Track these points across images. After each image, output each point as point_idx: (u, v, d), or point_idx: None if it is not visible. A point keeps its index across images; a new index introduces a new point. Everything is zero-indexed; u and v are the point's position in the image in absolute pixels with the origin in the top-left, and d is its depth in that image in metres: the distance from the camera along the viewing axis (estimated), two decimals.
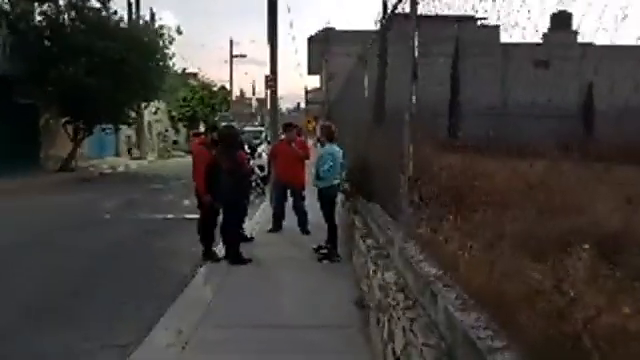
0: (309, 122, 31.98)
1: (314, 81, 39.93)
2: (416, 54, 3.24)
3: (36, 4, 16.43)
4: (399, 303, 2.73)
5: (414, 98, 3.23)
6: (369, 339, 3.68)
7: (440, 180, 4.52)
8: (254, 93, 65.96)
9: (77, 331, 4.15)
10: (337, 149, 6.36)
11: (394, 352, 2.64)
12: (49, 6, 16.47)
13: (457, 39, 20.40)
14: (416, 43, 3.20)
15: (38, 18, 16.60)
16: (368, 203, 5.50)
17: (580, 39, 19.02)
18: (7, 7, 15.85)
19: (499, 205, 4.17)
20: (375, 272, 3.63)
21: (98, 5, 17.26)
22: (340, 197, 6.86)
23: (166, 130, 34.93)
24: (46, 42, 16.27)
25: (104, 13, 17.25)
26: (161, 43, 18.86)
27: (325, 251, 6.29)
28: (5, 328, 4.23)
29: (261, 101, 70.46)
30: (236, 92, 52.72)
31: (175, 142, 36.10)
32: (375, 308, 3.47)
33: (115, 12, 17.96)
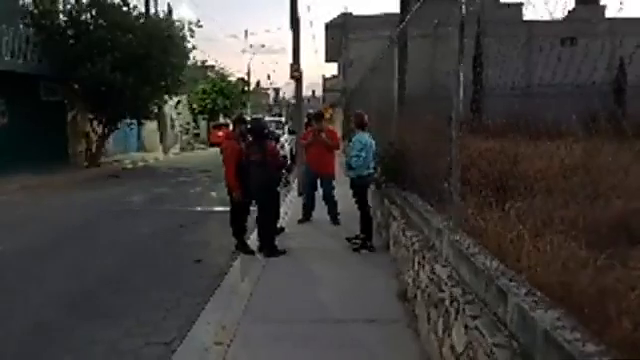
0: (326, 110, 31.89)
1: (331, 69, 39.58)
2: (464, 39, 3.07)
3: (60, 3, 16.58)
4: (456, 298, 2.61)
5: (462, 76, 3.07)
6: (417, 334, 3.58)
7: (483, 167, 4.36)
8: (270, 82, 66.05)
9: (119, 327, 4.15)
10: (368, 137, 6.20)
11: (453, 350, 2.53)
12: (72, 5, 16.59)
13: (479, 18, 19.83)
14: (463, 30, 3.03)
15: (62, 17, 16.74)
16: (403, 192, 5.37)
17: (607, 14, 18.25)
18: (32, 7, 16.03)
19: (547, 191, 3.99)
20: (422, 265, 3.51)
21: (117, 1, 17.30)
22: (371, 186, 6.73)
23: (187, 123, 35.14)
24: (71, 40, 16.41)
25: (124, 9, 17.28)
26: (181, 37, 18.86)
27: (359, 241, 6.20)
28: (46, 325, 4.25)
29: (277, 90, 70.50)
30: (252, 82, 52.78)
31: (197, 135, 36.33)
32: (424, 303, 3.35)
33: (135, 7, 17.99)
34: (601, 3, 24.97)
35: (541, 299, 1.95)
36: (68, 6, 16.60)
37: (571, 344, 1.56)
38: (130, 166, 19.68)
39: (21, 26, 15.77)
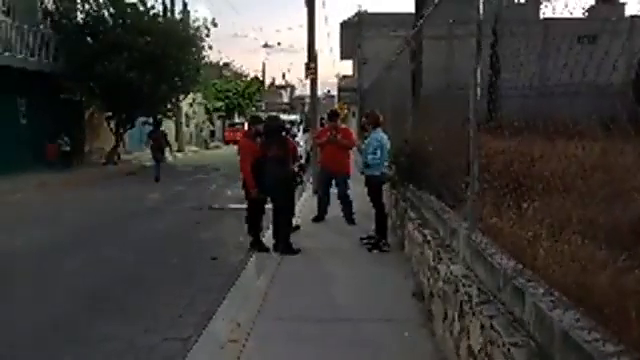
0: (341, 108, 31.90)
1: (345, 67, 39.55)
2: (480, 38, 3.05)
3: (78, 2, 16.87)
4: (472, 298, 2.61)
5: (479, 75, 3.05)
6: (433, 333, 3.57)
7: (499, 166, 4.32)
8: (284, 81, 66.21)
9: (136, 324, 4.20)
10: (384, 135, 6.20)
11: (470, 349, 2.52)
12: (89, 3, 16.85)
13: (496, 17, 19.63)
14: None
15: (80, 16, 17.03)
16: (419, 191, 5.35)
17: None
18: (51, 7, 16.34)
19: (565, 190, 3.93)
20: (438, 264, 3.50)
21: (135, 0, 17.53)
22: (386, 185, 6.72)
23: (203, 122, 35.45)
24: (88, 39, 16.69)
25: (142, 8, 17.50)
26: (197, 35, 19.04)
27: (373, 240, 6.19)
28: (62, 320, 4.32)
29: (292, 88, 70.65)
30: (267, 81, 53.02)
31: (212, 133, 36.63)
32: (440, 302, 3.35)
33: (153, 7, 18.23)
34: (621, 0, 24.46)
35: (559, 299, 1.94)
36: (87, 5, 16.87)
37: (590, 344, 1.55)
38: (147, 164, 19.90)
39: (41, 26, 16.09)
